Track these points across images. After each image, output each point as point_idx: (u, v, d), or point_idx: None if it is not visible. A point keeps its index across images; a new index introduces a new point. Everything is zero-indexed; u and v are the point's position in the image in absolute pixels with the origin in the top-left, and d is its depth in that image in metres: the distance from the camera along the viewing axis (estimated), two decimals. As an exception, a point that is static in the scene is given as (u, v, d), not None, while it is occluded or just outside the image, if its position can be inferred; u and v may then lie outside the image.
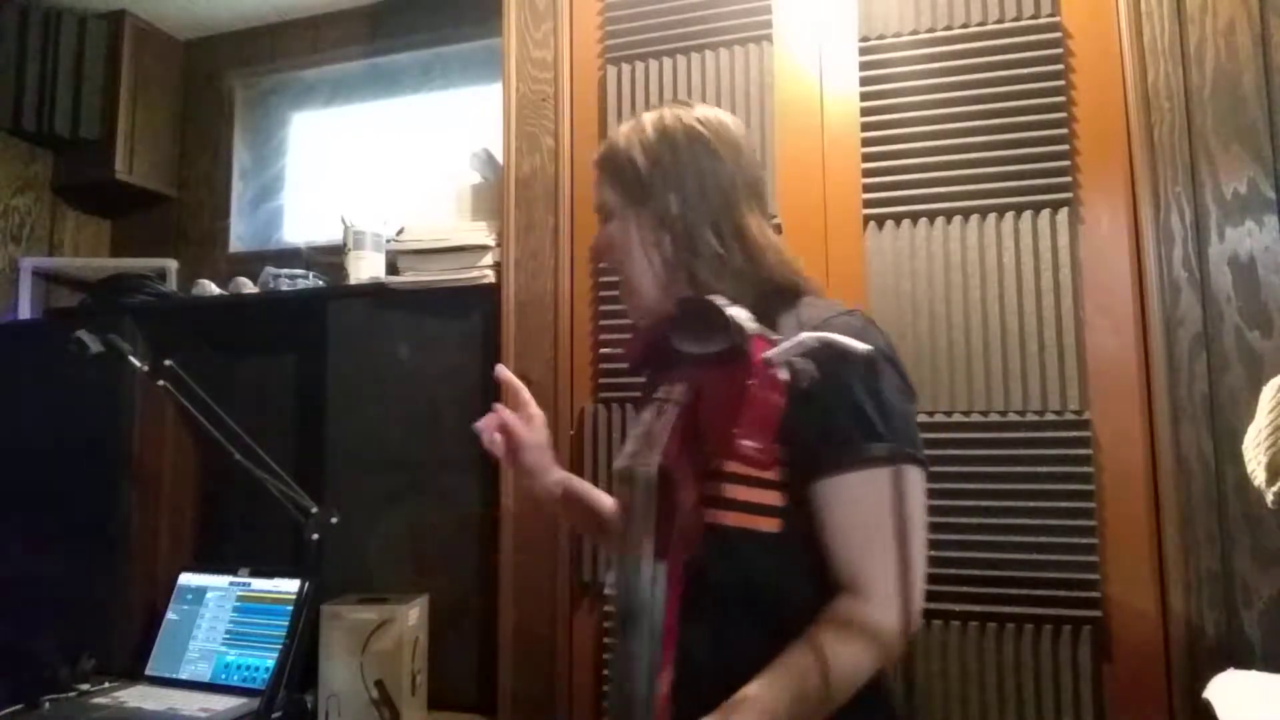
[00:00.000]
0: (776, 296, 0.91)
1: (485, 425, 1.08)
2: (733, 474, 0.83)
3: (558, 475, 1.12)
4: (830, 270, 1.41)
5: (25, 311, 2.09)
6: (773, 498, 0.83)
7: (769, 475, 0.82)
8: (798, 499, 0.83)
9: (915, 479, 0.86)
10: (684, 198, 0.94)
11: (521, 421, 1.09)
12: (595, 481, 1.48)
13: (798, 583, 0.84)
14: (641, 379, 1.07)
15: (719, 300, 0.73)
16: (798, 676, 0.77)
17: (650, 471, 0.67)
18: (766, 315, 0.80)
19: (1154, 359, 1.25)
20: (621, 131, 1.00)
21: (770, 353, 0.69)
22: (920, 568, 0.85)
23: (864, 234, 1.39)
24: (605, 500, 1.15)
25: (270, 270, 1.91)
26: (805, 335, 0.70)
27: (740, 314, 0.71)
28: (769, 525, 0.83)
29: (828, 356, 0.71)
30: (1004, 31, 1.36)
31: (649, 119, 0.98)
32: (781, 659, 0.78)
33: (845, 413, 0.82)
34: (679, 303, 0.78)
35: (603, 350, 1.51)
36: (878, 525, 0.81)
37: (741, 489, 0.83)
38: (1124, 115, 1.30)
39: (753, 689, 0.76)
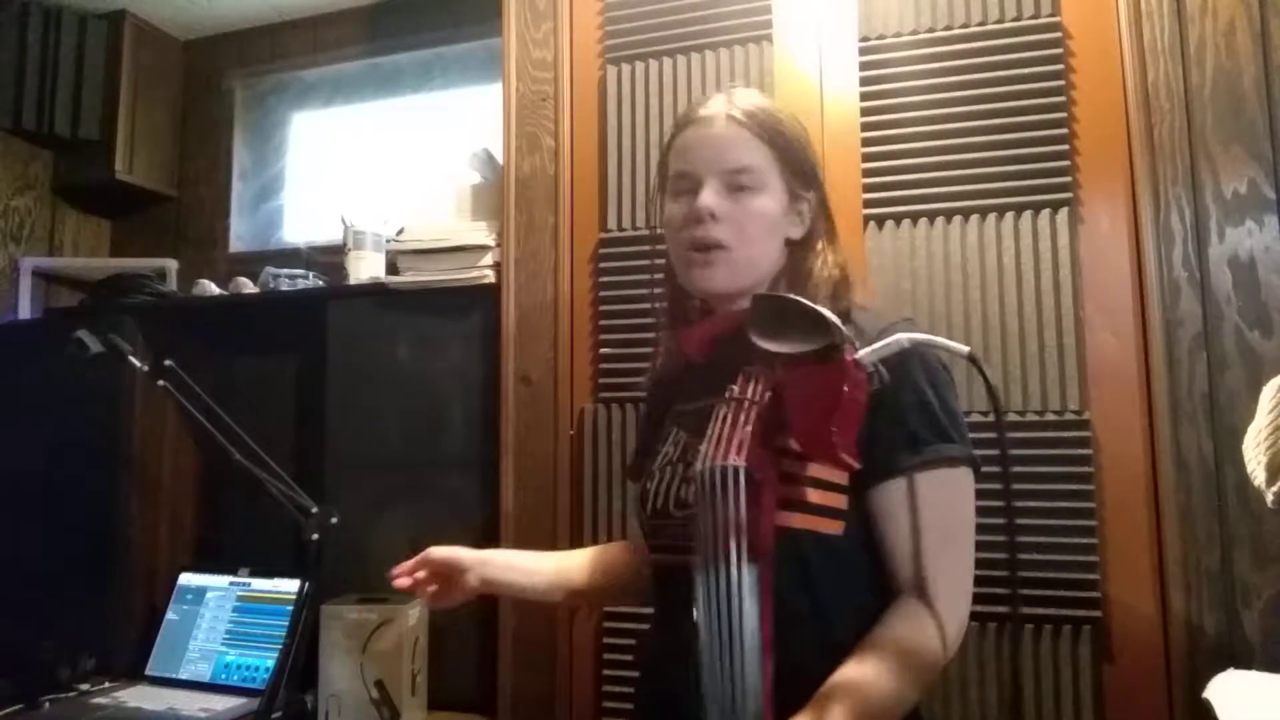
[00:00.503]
0: (837, 305, 0.90)
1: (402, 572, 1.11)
2: (809, 476, 0.82)
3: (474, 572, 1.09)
4: (830, 270, 1.41)
5: (25, 311, 2.09)
6: (838, 500, 0.83)
7: (837, 478, 0.82)
8: (857, 501, 0.83)
9: (972, 482, 0.88)
10: (821, 198, 0.96)
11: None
12: (596, 481, 1.49)
13: (855, 586, 0.84)
14: (672, 374, 1.00)
15: (806, 301, 0.72)
16: (885, 673, 0.77)
17: (739, 470, 0.67)
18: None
19: (1154, 359, 1.25)
20: (754, 99, 0.96)
21: (862, 353, 0.69)
22: (971, 571, 0.86)
23: (864, 234, 1.39)
24: (545, 564, 1.13)
25: (270, 270, 1.91)
26: (900, 336, 0.72)
27: (833, 315, 0.70)
28: (833, 527, 0.83)
29: (900, 360, 0.72)
30: (1004, 31, 1.36)
31: (780, 108, 0.97)
32: (864, 658, 0.78)
33: (918, 414, 0.83)
34: (765, 299, 0.75)
35: (603, 350, 1.51)
36: (945, 526, 0.84)
37: (813, 491, 0.82)
38: (1124, 115, 1.30)
39: (844, 683, 0.74)
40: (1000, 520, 1.27)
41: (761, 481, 0.69)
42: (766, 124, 0.92)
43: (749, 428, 0.69)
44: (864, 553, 0.84)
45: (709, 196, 0.89)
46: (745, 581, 0.66)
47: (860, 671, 0.76)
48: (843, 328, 0.70)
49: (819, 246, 0.95)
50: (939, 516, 0.84)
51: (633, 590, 1.11)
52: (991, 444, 1.28)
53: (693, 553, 0.74)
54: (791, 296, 0.73)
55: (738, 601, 0.66)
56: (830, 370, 0.68)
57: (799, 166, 0.94)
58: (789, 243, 0.95)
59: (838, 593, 0.83)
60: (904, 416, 0.82)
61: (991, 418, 1.30)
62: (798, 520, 0.82)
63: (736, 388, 0.73)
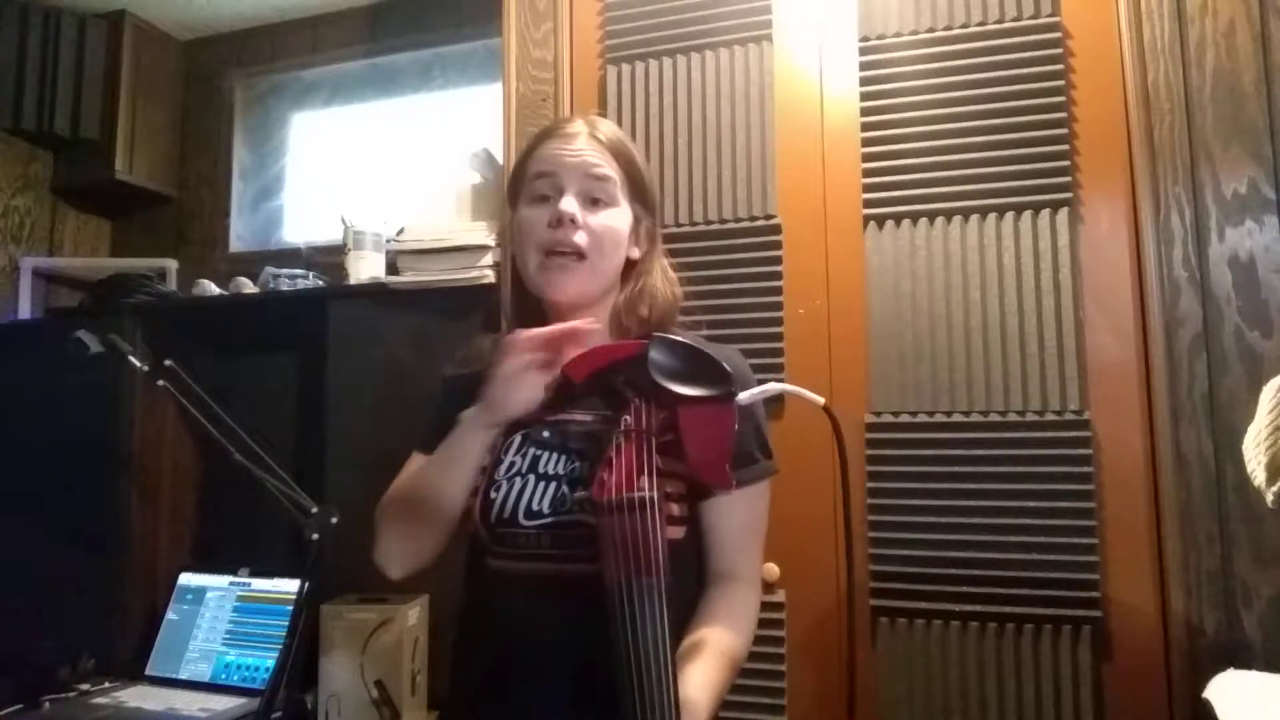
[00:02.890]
0: (674, 326, 1.01)
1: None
2: (671, 492, 0.90)
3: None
4: (830, 270, 1.41)
5: (25, 311, 2.09)
6: (683, 508, 0.92)
7: (680, 489, 0.91)
8: (692, 506, 0.93)
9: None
10: (656, 226, 1.05)
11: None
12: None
13: (688, 580, 0.94)
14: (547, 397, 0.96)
15: (701, 343, 0.83)
16: (727, 658, 0.88)
17: (654, 497, 0.74)
18: None
19: (1154, 359, 1.25)
20: (612, 127, 1.03)
21: (743, 397, 0.82)
22: None
23: (864, 234, 1.39)
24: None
25: (270, 270, 1.91)
26: (772, 385, 0.86)
27: (726, 363, 0.80)
28: (679, 533, 0.91)
29: (743, 384, 0.84)
30: (1004, 31, 1.36)
31: (620, 131, 1.05)
32: (708, 643, 0.87)
33: (753, 436, 0.95)
34: (664, 341, 0.82)
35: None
36: (759, 527, 0.98)
37: (673, 505, 0.90)
38: (1124, 115, 1.30)
39: (692, 690, 0.81)
40: (1001, 520, 1.28)
41: (659, 505, 0.77)
42: (620, 149, 1.01)
43: (652, 459, 0.77)
44: (694, 550, 0.95)
45: (571, 203, 0.95)
46: (661, 599, 0.74)
47: (705, 671, 0.85)
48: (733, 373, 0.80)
49: (657, 268, 1.03)
50: (757, 519, 0.97)
51: (431, 550, 1.03)
52: (989, 444, 1.29)
53: (545, 562, 0.88)
54: (688, 342, 0.82)
55: (658, 617, 0.74)
56: (724, 411, 0.79)
57: (644, 193, 1.02)
58: (628, 261, 1.02)
59: (680, 588, 0.89)
60: (743, 438, 0.91)
61: (992, 418, 1.31)
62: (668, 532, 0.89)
63: (630, 418, 0.80)
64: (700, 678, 0.83)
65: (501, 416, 0.91)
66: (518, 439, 0.96)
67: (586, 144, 0.98)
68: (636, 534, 0.74)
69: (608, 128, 1.02)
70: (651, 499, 0.75)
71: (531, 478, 0.93)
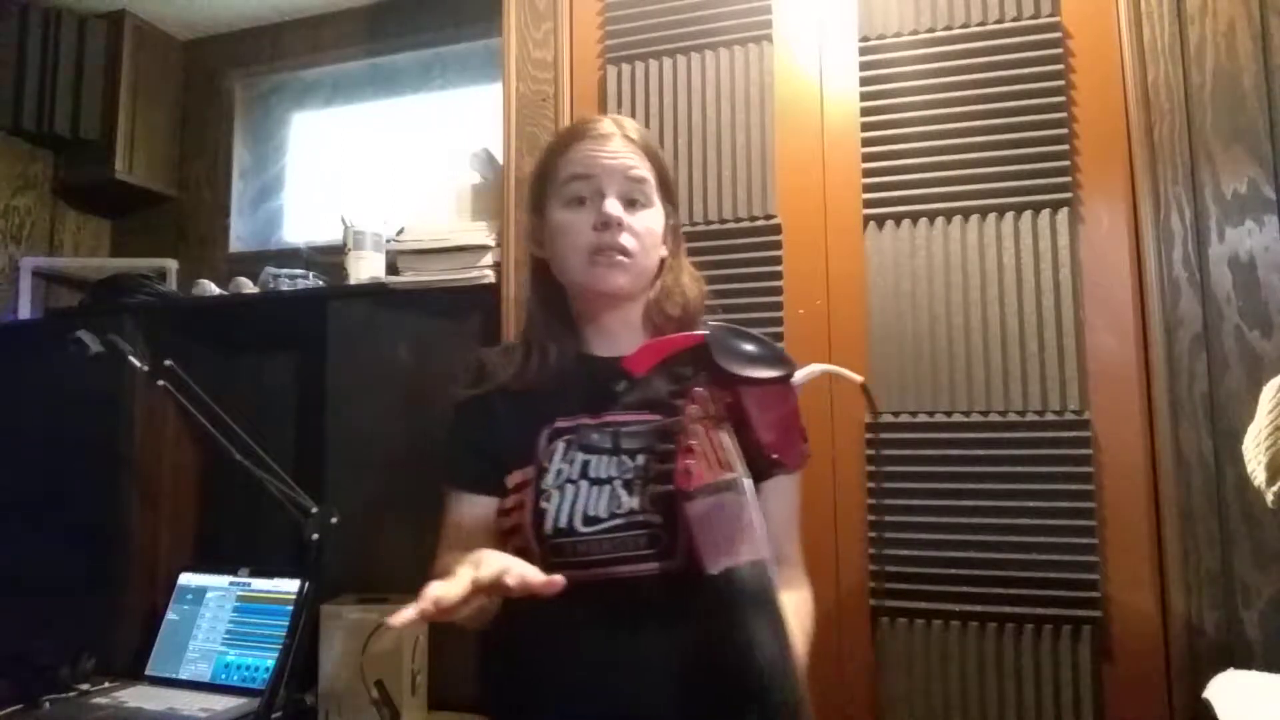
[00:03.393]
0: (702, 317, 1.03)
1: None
2: None
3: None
4: (830, 270, 1.41)
5: (25, 311, 2.09)
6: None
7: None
8: None
9: None
10: (679, 220, 1.07)
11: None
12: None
13: None
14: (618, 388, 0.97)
15: (758, 334, 0.87)
16: (803, 637, 0.89)
17: (744, 478, 0.76)
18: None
19: (1154, 359, 1.25)
20: (639, 126, 1.04)
21: (798, 376, 0.86)
22: None
23: (864, 234, 1.39)
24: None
25: (270, 270, 1.91)
26: (815, 367, 0.93)
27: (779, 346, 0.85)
28: None
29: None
30: (1004, 31, 1.36)
31: (645, 129, 1.07)
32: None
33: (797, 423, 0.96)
34: (722, 330, 0.85)
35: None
36: (797, 514, 1.00)
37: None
38: (1124, 115, 1.30)
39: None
40: (1001, 520, 1.28)
41: (750, 485, 0.78)
42: (651, 149, 1.02)
43: (731, 442, 0.78)
44: None
45: (616, 206, 0.96)
46: (772, 578, 0.75)
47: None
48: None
49: (683, 265, 1.05)
50: (797, 505, 1.00)
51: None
52: (989, 444, 1.29)
53: (609, 567, 0.88)
54: (745, 330, 0.86)
55: (772, 595, 0.74)
56: (787, 391, 0.83)
57: (670, 191, 1.04)
58: (660, 259, 1.03)
59: None
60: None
61: (992, 418, 1.31)
62: None
63: (697, 406, 0.81)
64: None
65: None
66: (561, 445, 0.94)
67: (622, 145, 0.98)
68: (737, 516, 0.75)
69: (636, 127, 1.02)
70: (743, 480, 0.76)
71: (584, 483, 0.91)
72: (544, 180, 1.03)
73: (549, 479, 0.92)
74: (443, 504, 1.01)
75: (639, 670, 0.86)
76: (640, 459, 0.91)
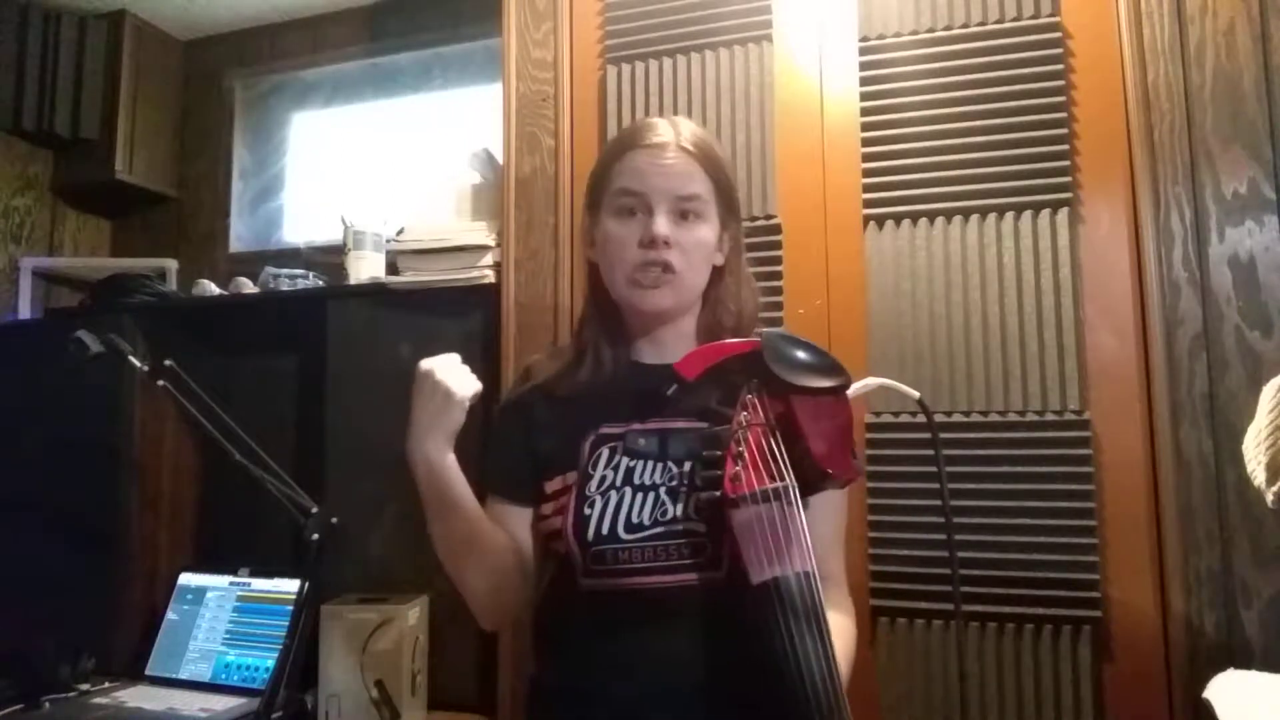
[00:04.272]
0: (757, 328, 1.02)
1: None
2: None
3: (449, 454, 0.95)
4: (830, 270, 1.41)
5: (25, 311, 2.09)
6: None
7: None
8: None
9: None
10: (740, 228, 1.04)
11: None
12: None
13: None
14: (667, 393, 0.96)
15: (813, 343, 0.85)
16: (848, 658, 0.89)
17: (793, 486, 0.76)
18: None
19: (1154, 359, 1.25)
20: (698, 130, 1.00)
21: (852, 390, 0.84)
22: None
23: (864, 234, 1.39)
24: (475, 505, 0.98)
25: (270, 270, 1.91)
26: (871, 380, 0.91)
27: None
28: None
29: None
30: (1004, 31, 1.36)
31: (705, 132, 1.02)
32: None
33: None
34: (778, 336, 0.84)
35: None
36: (843, 527, 0.99)
37: None
38: (1124, 115, 1.30)
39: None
40: (1001, 520, 1.28)
41: (798, 494, 0.77)
42: (710, 156, 0.98)
43: (780, 450, 0.77)
44: None
45: (663, 224, 0.94)
46: (818, 589, 0.74)
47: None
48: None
49: (741, 273, 1.03)
50: (844, 520, 0.99)
51: (510, 606, 1.03)
52: (989, 444, 1.29)
53: (650, 575, 0.87)
54: (800, 338, 0.84)
55: (818, 606, 0.73)
56: (840, 402, 0.81)
57: (729, 199, 1.01)
58: (714, 268, 1.01)
59: None
60: None
61: (992, 418, 1.31)
62: None
63: (747, 414, 0.79)
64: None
65: (440, 434, 0.90)
66: (605, 451, 0.93)
67: (676, 156, 0.96)
68: (784, 525, 0.74)
69: (693, 131, 0.99)
70: (792, 487, 0.75)
71: (628, 490, 0.90)
72: (598, 185, 1.01)
73: (592, 485, 0.92)
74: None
75: (680, 678, 0.86)
76: (687, 466, 0.90)
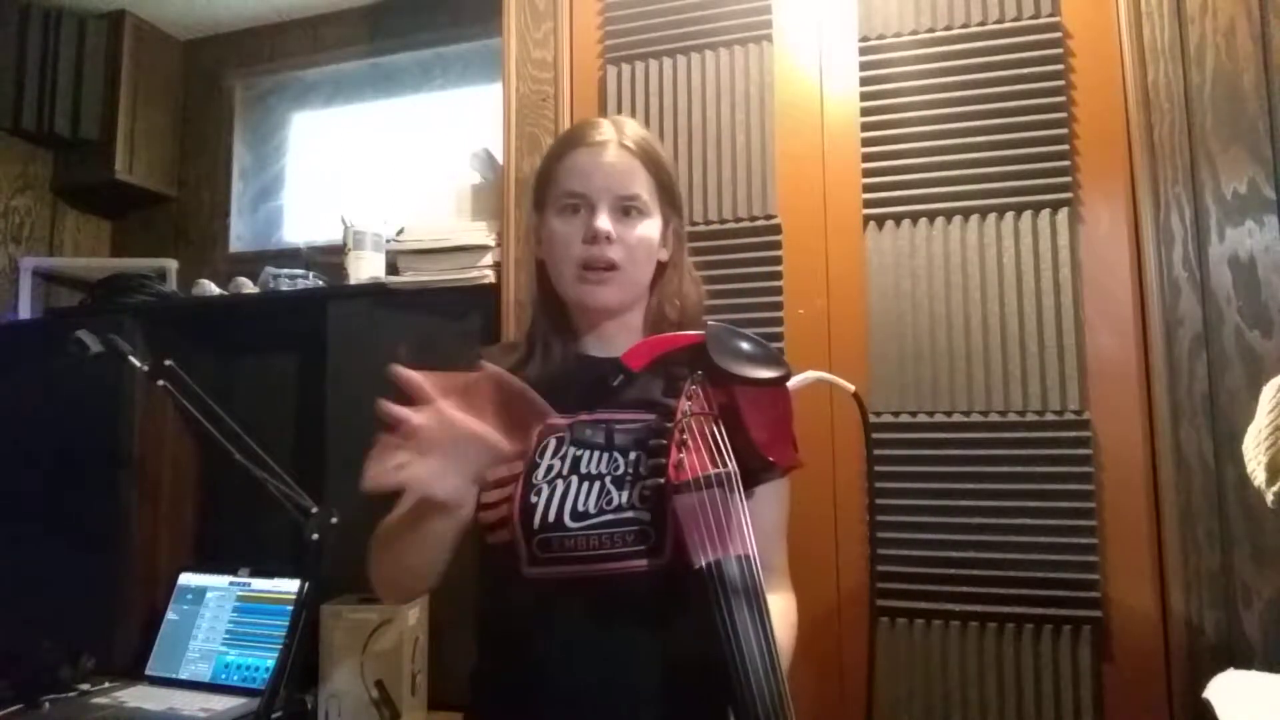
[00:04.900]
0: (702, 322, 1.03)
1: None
2: None
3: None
4: (830, 270, 1.41)
5: (25, 311, 2.09)
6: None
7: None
8: None
9: None
10: (682, 225, 1.05)
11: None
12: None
13: None
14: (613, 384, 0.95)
15: (755, 336, 0.87)
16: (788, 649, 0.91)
17: (736, 471, 0.77)
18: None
19: (1154, 359, 1.25)
20: (639, 129, 1.03)
21: (792, 382, 0.86)
22: None
23: (864, 234, 1.39)
24: None
25: (270, 270, 1.91)
26: (810, 374, 0.90)
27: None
28: None
29: None
30: (1004, 31, 1.36)
31: (646, 131, 1.04)
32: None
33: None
34: (721, 330, 0.86)
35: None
36: (784, 519, 1.01)
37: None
38: (1124, 115, 1.30)
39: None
40: (1001, 520, 1.28)
41: (740, 480, 0.79)
42: (651, 154, 1.00)
43: (723, 438, 0.79)
44: None
45: (606, 221, 0.96)
46: (758, 574, 0.76)
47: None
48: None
49: (684, 268, 1.05)
50: (785, 512, 1.00)
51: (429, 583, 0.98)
52: (989, 444, 1.29)
53: (595, 563, 0.87)
54: (743, 331, 0.86)
55: (758, 591, 0.75)
56: (781, 393, 0.84)
57: (671, 195, 1.03)
58: (658, 263, 1.03)
59: None
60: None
61: (992, 418, 1.31)
62: None
63: (691, 403, 0.82)
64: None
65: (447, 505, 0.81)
66: (553, 441, 0.94)
67: (616, 154, 0.98)
68: (726, 510, 0.76)
69: (635, 131, 1.02)
70: (735, 473, 0.77)
71: (574, 479, 0.91)
72: (543, 184, 1.03)
73: (539, 473, 0.92)
74: None
75: (624, 666, 0.87)
76: (632, 455, 0.91)
